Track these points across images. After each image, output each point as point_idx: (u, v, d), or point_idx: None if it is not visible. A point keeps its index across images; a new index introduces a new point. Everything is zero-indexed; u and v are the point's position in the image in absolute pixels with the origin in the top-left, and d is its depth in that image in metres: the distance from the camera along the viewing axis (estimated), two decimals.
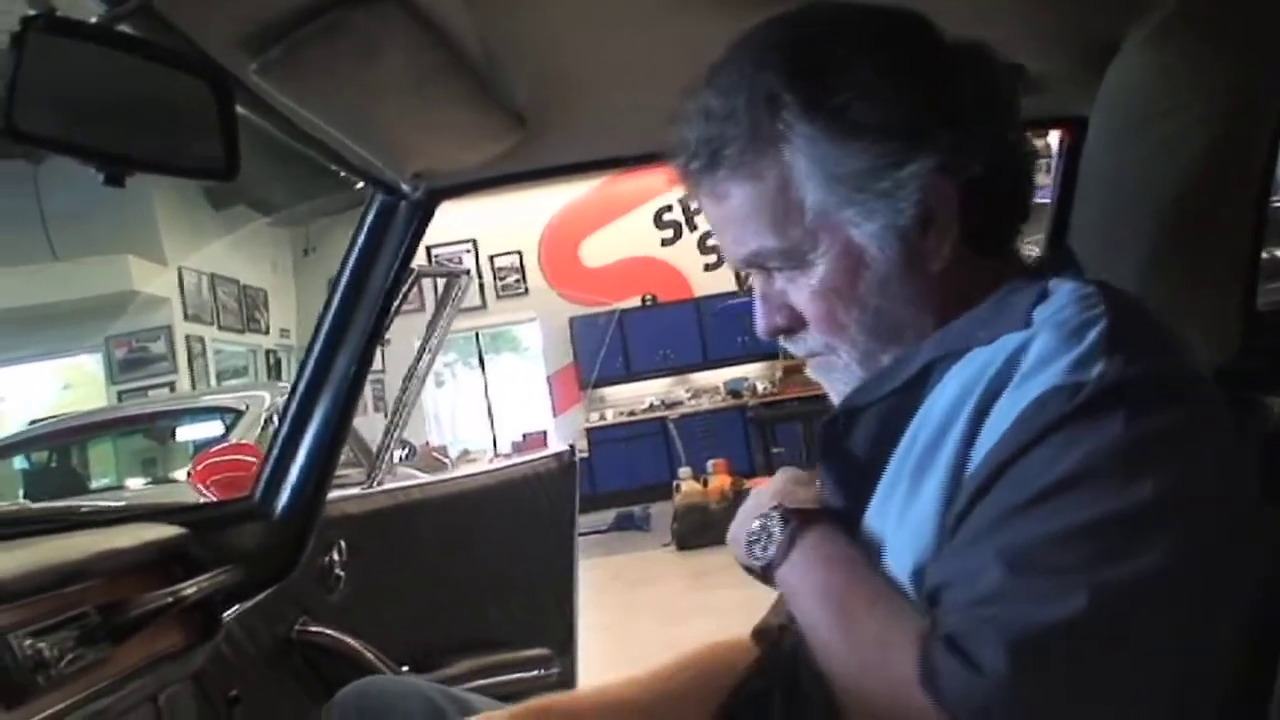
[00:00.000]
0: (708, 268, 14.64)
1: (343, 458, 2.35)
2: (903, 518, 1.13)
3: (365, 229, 2.24)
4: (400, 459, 5.32)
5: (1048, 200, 2.18)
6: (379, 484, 3.02)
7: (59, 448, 8.41)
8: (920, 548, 1.10)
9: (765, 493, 1.33)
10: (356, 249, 2.25)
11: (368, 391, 11.68)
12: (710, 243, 15.16)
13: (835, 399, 1.29)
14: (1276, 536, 1.15)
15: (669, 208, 14.70)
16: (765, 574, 1.26)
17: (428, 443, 11.27)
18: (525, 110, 1.91)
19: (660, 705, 1.51)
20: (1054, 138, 2.30)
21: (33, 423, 8.87)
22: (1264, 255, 1.80)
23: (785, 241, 1.21)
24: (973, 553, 1.02)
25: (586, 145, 2.17)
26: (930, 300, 1.21)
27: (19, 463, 8.40)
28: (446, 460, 6.84)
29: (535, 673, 2.91)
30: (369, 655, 2.50)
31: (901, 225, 1.17)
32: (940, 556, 1.07)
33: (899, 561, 1.12)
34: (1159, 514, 0.97)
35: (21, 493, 8.08)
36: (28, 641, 1.43)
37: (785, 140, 1.17)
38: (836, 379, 1.29)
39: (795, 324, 1.26)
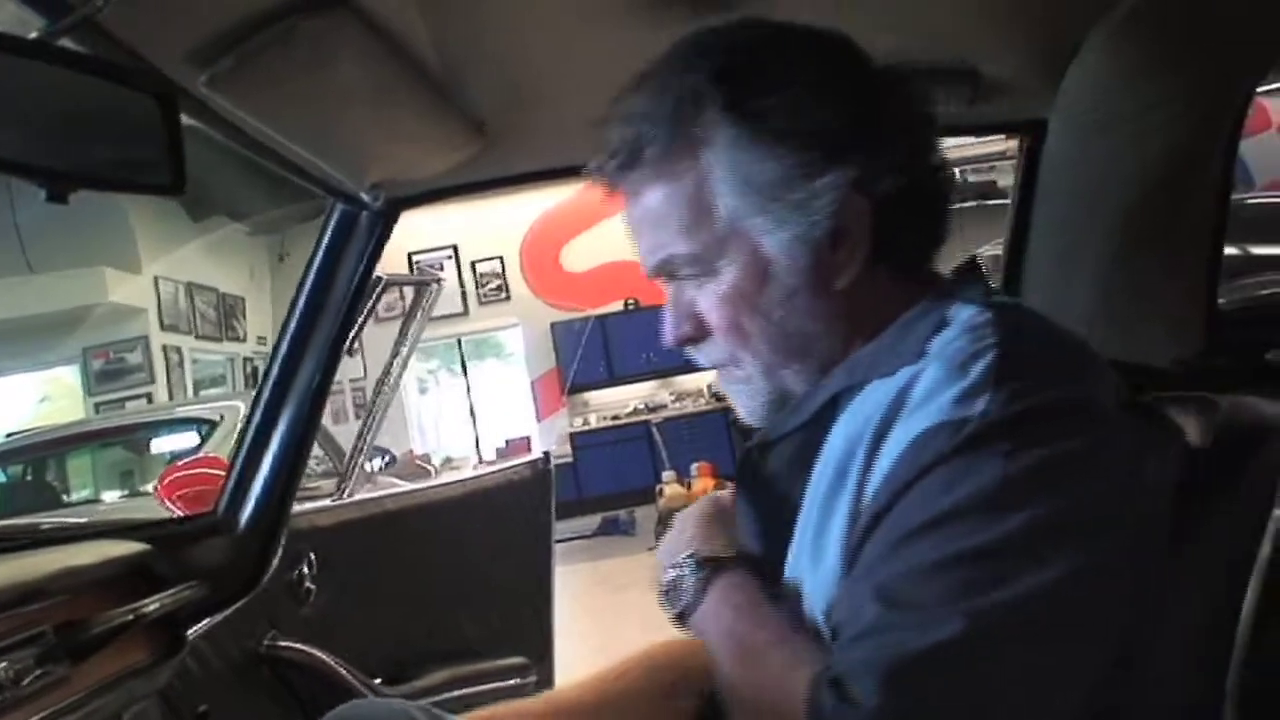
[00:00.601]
0: None
1: (323, 468, 2.34)
2: (815, 556, 1.13)
3: (326, 239, 2.23)
4: (380, 468, 5.31)
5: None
6: (351, 494, 3.00)
7: (35, 461, 8.37)
8: (829, 586, 1.10)
9: (686, 528, 1.35)
10: (318, 259, 2.24)
11: (348, 399, 11.63)
12: None
13: (741, 414, 1.29)
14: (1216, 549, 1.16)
15: None
16: (680, 620, 1.27)
17: (411, 451, 11.23)
18: (485, 118, 1.90)
19: (607, 707, 1.51)
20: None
21: (9, 436, 8.81)
22: (1225, 253, 1.80)
23: (696, 246, 1.20)
24: (856, 591, 1.03)
25: (547, 153, 2.16)
26: (836, 317, 1.21)
27: None
28: (431, 468, 6.81)
29: (512, 681, 2.90)
30: (339, 669, 2.48)
31: (812, 237, 1.16)
32: (839, 596, 1.08)
33: (814, 602, 1.12)
34: (1037, 543, 0.97)
35: None
36: None
37: (705, 143, 1.17)
38: (740, 391, 1.28)
39: (701, 333, 1.25)
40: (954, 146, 10.07)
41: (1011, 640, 0.95)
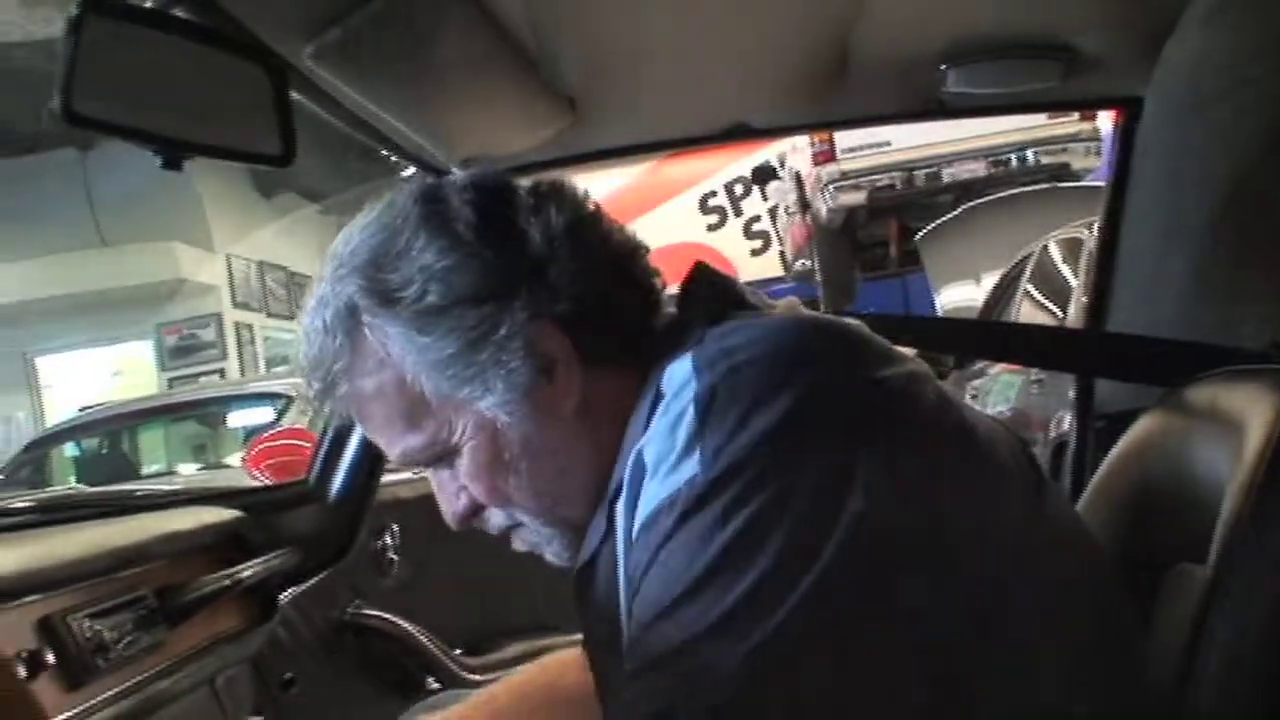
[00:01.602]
0: (754, 253, 14.61)
1: None
2: None
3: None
4: None
5: (1101, 182, 2.16)
6: None
7: (110, 434, 8.49)
8: None
9: None
10: None
11: None
12: (756, 228, 15.14)
13: (556, 562, 1.26)
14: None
15: (713, 193, 14.68)
16: None
17: None
18: (575, 94, 1.91)
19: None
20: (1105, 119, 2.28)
21: (83, 409, 8.94)
22: None
23: (424, 435, 1.18)
24: None
25: (635, 129, 2.16)
26: (581, 439, 1.18)
27: (70, 449, 8.49)
28: None
29: None
30: (421, 638, 2.51)
31: (521, 382, 1.14)
32: None
33: None
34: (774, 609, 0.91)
35: (73, 479, 8.16)
36: (87, 624, 1.44)
37: (381, 344, 1.16)
38: (539, 546, 1.25)
39: (475, 506, 1.22)
40: (1025, 128, 10.05)
41: None
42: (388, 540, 2.56)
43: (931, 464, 0.98)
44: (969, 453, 1.02)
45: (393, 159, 2.04)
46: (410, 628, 2.50)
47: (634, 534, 1.02)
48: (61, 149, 11.89)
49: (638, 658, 0.96)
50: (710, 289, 1.20)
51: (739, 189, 14.63)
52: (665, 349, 1.10)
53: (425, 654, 2.52)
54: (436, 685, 2.51)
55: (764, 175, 13.13)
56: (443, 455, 1.19)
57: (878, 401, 0.99)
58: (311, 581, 2.24)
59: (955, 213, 9.67)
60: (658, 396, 1.05)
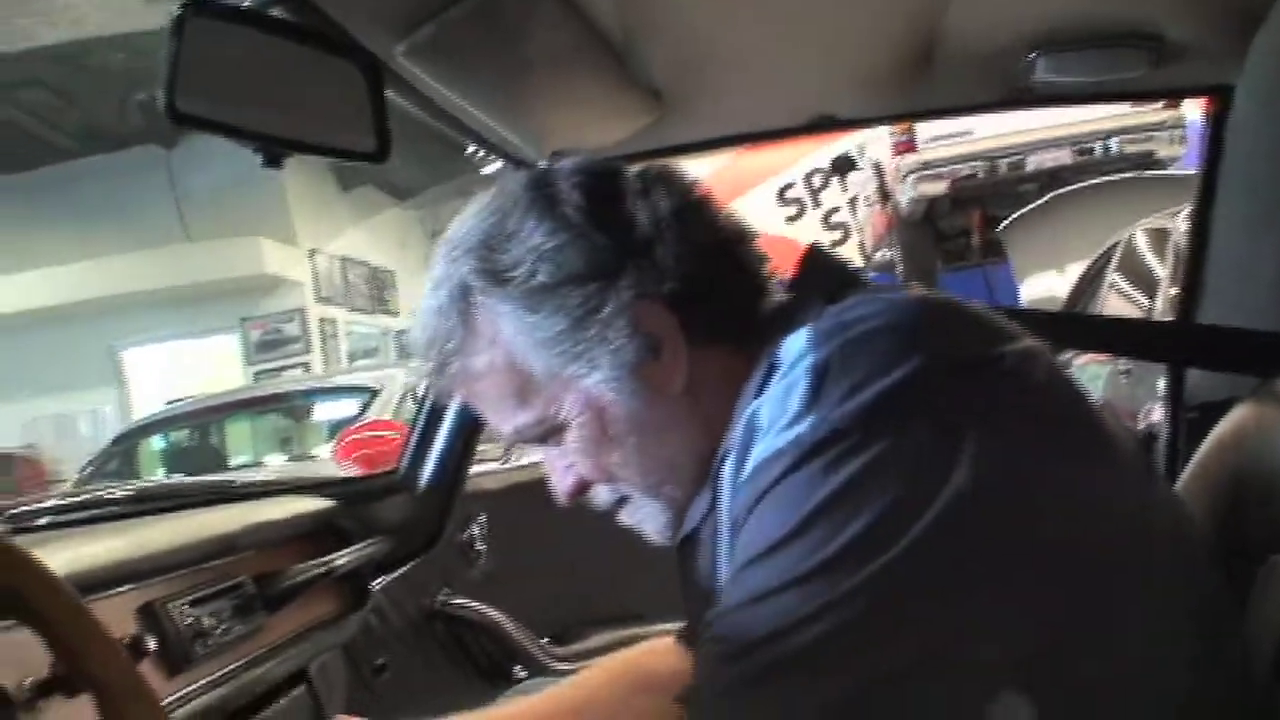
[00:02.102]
0: (833, 244, 14.52)
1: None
2: None
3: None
4: None
5: (1187, 171, 2.12)
6: (516, 459, 3.05)
7: (197, 427, 8.62)
8: None
9: None
10: None
11: None
12: (835, 219, 15.05)
13: (656, 539, 1.29)
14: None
15: (791, 185, 14.60)
16: None
17: None
18: (661, 87, 1.91)
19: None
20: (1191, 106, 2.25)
21: (170, 403, 9.09)
22: None
23: (534, 412, 1.22)
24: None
25: (721, 121, 2.16)
26: (687, 418, 1.21)
27: (157, 442, 8.62)
28: None
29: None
30: (508, 627, 2.54)
31: (627, 361, 1.17)
32: None
33: None
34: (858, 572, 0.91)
35: (161, 471, 8.29)
36: (186, 611, 1.47)
37: (492, 322, 1.21)
38: (644, 523, 1.28)
39: (583, 484, 1.26)
40: (1110, 116, 9.90)
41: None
42: (475, 530, 2.59)
43: (1039, 444, 0.98)
44: (1079, 434, 1.02)
45: (475, 154, 2.06)
46: (498, 616, 2.53)
47: (738, 487, 1.04)
48: (147, 145, 12.07)
49: (728, 599, 0.98)
50: (826, 269, 1.23)
51: (817, 180, 14.52)
52: (779, 326, 1.11)
53: (512, 642, 2.55)
54: (524, 674, 2.54)
55: (843, 166, 13.04)
56: (551, 432, 1.22)
57: (990, 379, 1.00)
58: (402, 570, 2.27)
59: (1039, 202, 9.55)
60: (772, 368, 1.06)
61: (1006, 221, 10.06)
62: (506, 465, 2.96)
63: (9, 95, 10.68)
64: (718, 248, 1.24)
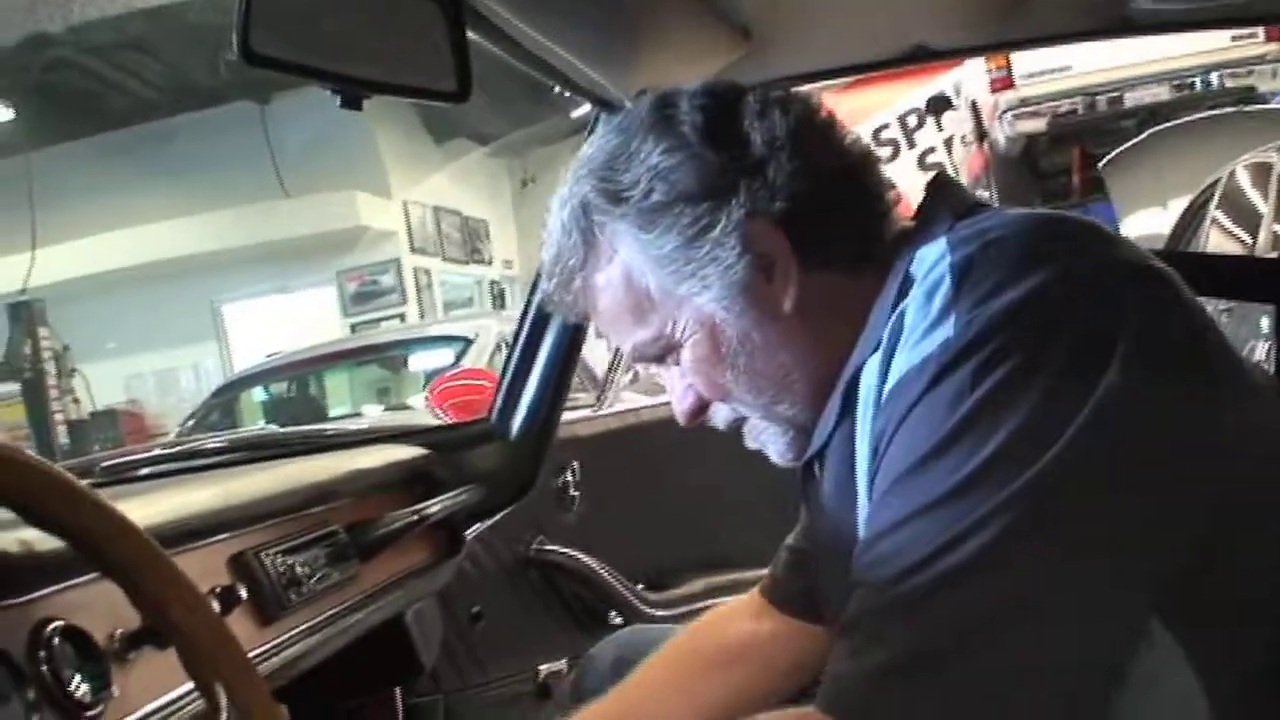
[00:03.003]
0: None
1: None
2: None
3: None
4: (626, 383, 5.38)
5: None
6: (609, 406, 3.04)
7: (297, 379, 8.73)
8: None
9: None
10: None
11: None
12: (930, 159, 14.87)
13: (776, 460, 1.30)
14: None
15: (885, 126, 14.42)
16: None
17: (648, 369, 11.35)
18: (749, 22, 1.87)
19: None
20: None
21: (270, 356, 9.21)
22: None
23: (651, 330, 1.25)
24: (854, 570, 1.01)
25: (811, 56, 2.11)
26: (800, 338, 1.22)
27: (258, 394, 8.75)
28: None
29: (760, 584, 2.90)
30: (603, 573, 2.53)
31: (739, 280, 1.19)
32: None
33: None
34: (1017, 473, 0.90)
35: (262, 423, 8.41)
36: (280, 560, 1.47)
37: (610, 240, 1.24)
38: (764, 442, 1.29)
39: (702, 402, 1.28)
40: (1209, 50, 9.65)
41: (979, 635, 0.90)
42: (569, 477, 2.59)
43: (1182, 355, 0.98)
44: (1215, 351, 1.02)
45: (564, 97, 2.04)
46: (592, 563, 2.53)
47: (881, 401, 1.04)
48: (241, 102, 12.19)
49: (880, 520, 0.99)
50: (955, 191, 1.23)
51: (912, 120, 14.33)
52: (908, 245, 1.13)
53: (607, 588, 2.55)
54: (619, 620, 2.53)
55: (939, 105, 12.86)
56: (668, 350, 1.26)
57: (1136, 285, 0.99)
58: (496, 517, 2.27)
59: (1139, 138, 9.35)
60: (907, 280, 1.07)
61: (1107, 158, 9.86)
62: (600, 412, 2.94)
63: (106, 56, 10.83)
64: (836, 170, 1.24)
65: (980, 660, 0.90)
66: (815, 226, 1.19)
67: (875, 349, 1.09)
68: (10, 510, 0.76)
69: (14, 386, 9.49)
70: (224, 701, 0.83)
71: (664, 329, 1.24)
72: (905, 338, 1.02)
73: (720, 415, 1.28)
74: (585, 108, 2.22)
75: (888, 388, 1.03)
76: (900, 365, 1.02)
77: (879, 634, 0.95)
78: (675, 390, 1.30)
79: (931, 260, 1.05)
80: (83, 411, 9.61)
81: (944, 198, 1.21)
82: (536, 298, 2.30)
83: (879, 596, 0.96)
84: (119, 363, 12.88)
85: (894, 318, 1.05)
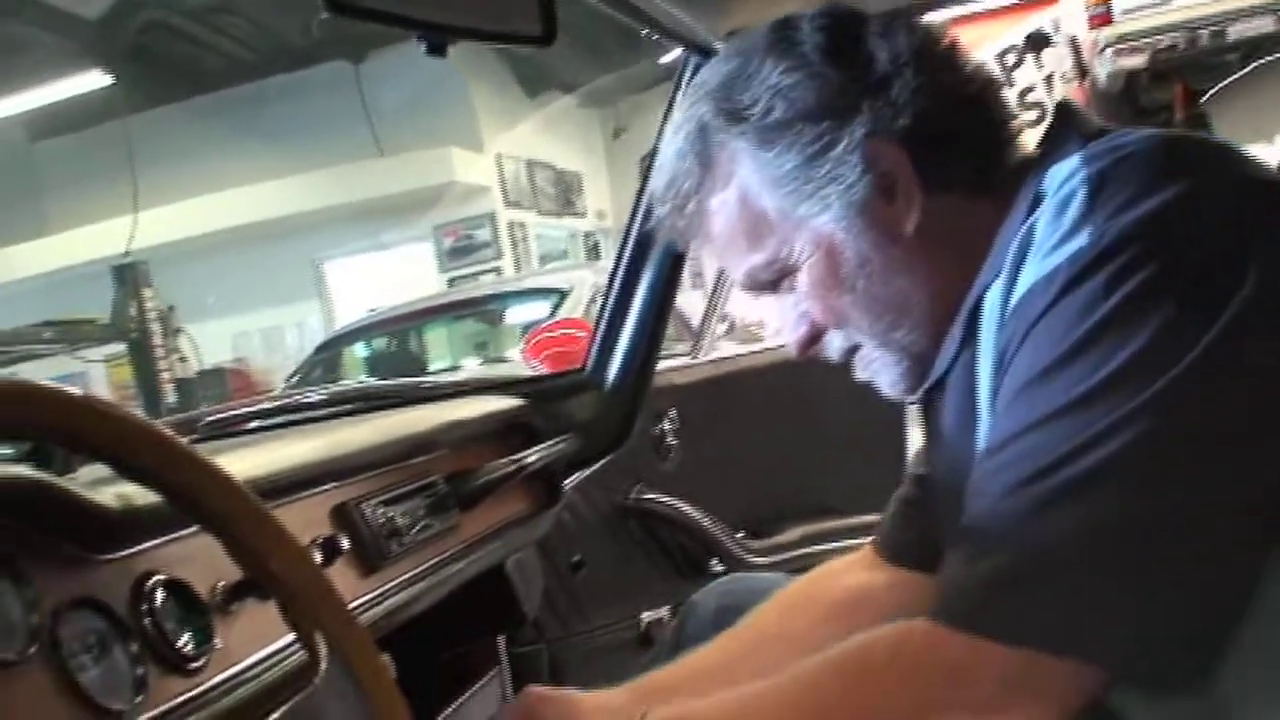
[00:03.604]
0: (1029, 124, 14.09)
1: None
2: None
3: (679, 97, 2.20)
4: (722, 333, 5.36)
5: None
6: (705, 354, 3.03)
7: (397, 333, 8.82)
8: None
9: None
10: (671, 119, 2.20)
11: (685, 268, 11.77)
12: (1030, 98, 14.61)
13: (887, 392, 1.29)
14: None
15: (983, 64, 14.20)
16: None
17: (744, 317, 11.32)
18: None
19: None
20: None
21: (370, 311, 9.30)
22: None
23: (767, 253, 1.23)
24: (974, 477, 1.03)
25: None
26: (921, 261, 1.20)
27: (361, 349, 8.85)
28: (765, 334, 6.81)
29: (871, 538, 2.88)
30: (703, 521, 2.53)
31: (859, 200, 1.17)
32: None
33: None
34: (1126, 397, 0.91)
35: (364, 377, 8.50)
36: (380, 510, 1.47)
37: (728, 160, 1.22)
38: (876, 372, 1.28)
39: (816, 330, 1.27)
40: None
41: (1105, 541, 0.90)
42: (666, 426, 2.58)
43: None
44: None
45: (653, 42, 2.02)
46: (691, 511, 2.52)
47: (1006, 315, 1.04)
48: (335, 62, 12.27)
49: (1001, 429, 0.99)
50: (1082, 115, 1.20)
51: (1011, 58, 14.09)
52: (1035, 170, 1.11)
53: (707, 536, 2.54)
54: (720, 568, 2.53)
55: (1038, 42, 12.62)
56: (783, 274, 1.24)
57: (1270, 202, 0.99)
58: (593, 467, 2.28)
59: (1242, 72, 9.13)
60: (1036, 200, 1.06)
61: (1210, 93, 9.64)
62: (696, 360, 2.93)
63: (200, 18, 10.94)
64: (960, 92, 1.22)
65: (1098, 572, 0.90)
66: (938, 148, 1.18)
67: (999, 275, 1.08)
68: (108, 466, 0.76)
69: (122, 347, 9.66)
70: (324, 651, 0.83)
71: (780, 252, 1.23)
72: (1035, 250, 1.02)
73: (834, 344, 1.27)
74: (675, 53, 2.19)
75: (1013, 300, 1.03)
76: (1028, 278, 1.01)
77: (996, 542, 0.95)
78: (788, 320, 1.28)
79: (1064, 175, 1.04)
80: (189, 370, 9.79)
81: (1071, 122, 1.19)
82: (629, 249, 2.29)
83: (996, 504, 0.96)
84: (225, 322, 13.08)
85: (1022, 232, 1.05)
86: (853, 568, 1.56)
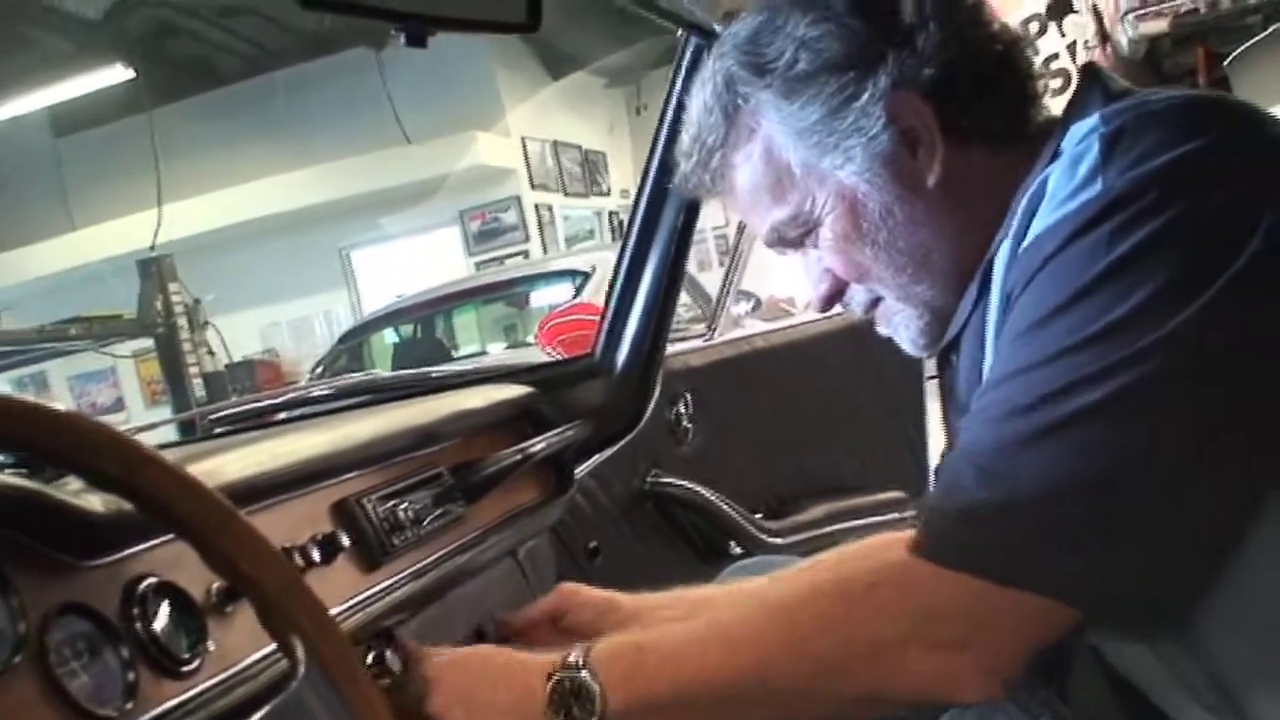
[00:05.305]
0: (1054, 92, 13.98)
1: (690, 314, 2.36)
2: None
3: (680, 77, 2.18)
4: (746, 311, 5.33)
5: None
6: (720, 335, 3.02)
7: (424, 319, 8.83)
8: None
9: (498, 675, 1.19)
10: (673, 99, 2.19)
11: (711, 245, 11.66)
12: (1054, 65, 14.49)
13: (908, 349, 1.31)
14: None
15: None
16: None
17: (774, 295, 11.25)
18: None
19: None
20: None
21: (397, 298, 9.31)
22: None
23: (790, 207, 1.25)
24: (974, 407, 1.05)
25: None
26: (944, 215, 1.21)
27: (388, 336, 8.87)
28: (794, 311, 6.79)
29: (891, 516, 2.87)
30: (721, 504, 2.52)
31: (883, 152, 1.18)
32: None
33: None
34: (1154, 323, 0.92)
35: (389, 365, 8.51)
36: (382, 505, 1.46)
37: (753, 114, 1.23)
38: (897, 327, 1.29)
39: (839, 285, 1.29)
40: None
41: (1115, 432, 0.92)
42: (682, 409, 2.57)
43: None
44: None
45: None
46: (709, 494, 2.51)
47: (1012, 262, 1.05)
48: (356, 48, 12.25)
49: (1000, 370, 1.01)
50: (1108, 77, 1.20)
51: (1034, 27, 13.96)
52: (1060, 126, 1.13)
53: (726, 519, 2.53)
54: (740, 550, 2.52)
55: (1060, 10, 12.51)
56: (806, 229, 1.26)
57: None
58: (606, 453, 2.27)
59: (1265, 34, 9.02)
60: (1056, 157, 1.07)
61: (1231, 56, 9.53)
62: (711, 341, 2.92)
63: (220, 7, 10.96)
64: (986, 47, 1.23)
65: (1073, 510, 0.92)
66: (962, 101, 1.19)
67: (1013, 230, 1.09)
68: (76, 475, 0.76)
69: (150, 342, 9.68)
70: (302, 655, 0.83)
71: (803, 205, 1.24)
72: (1047, 201, 1.03)
73: (857, 298, 1.29)
74: None
75: (1022, 249, 1.04)
76: (1037, 227, 1.02)
77: (974, 475, 0.97)
78: (810, 276, 1.30)
79: (1083, 132, 1.05)
80: (218, 363, 9.80)
81: (1097, 83, 1.19)
82: (635, 232, 2.28)
83: (979, 438, 0.98)
84: (254, 313, 13.12)
85: (1035, 185, 1.06)
86: (895, 544, 1.53)
